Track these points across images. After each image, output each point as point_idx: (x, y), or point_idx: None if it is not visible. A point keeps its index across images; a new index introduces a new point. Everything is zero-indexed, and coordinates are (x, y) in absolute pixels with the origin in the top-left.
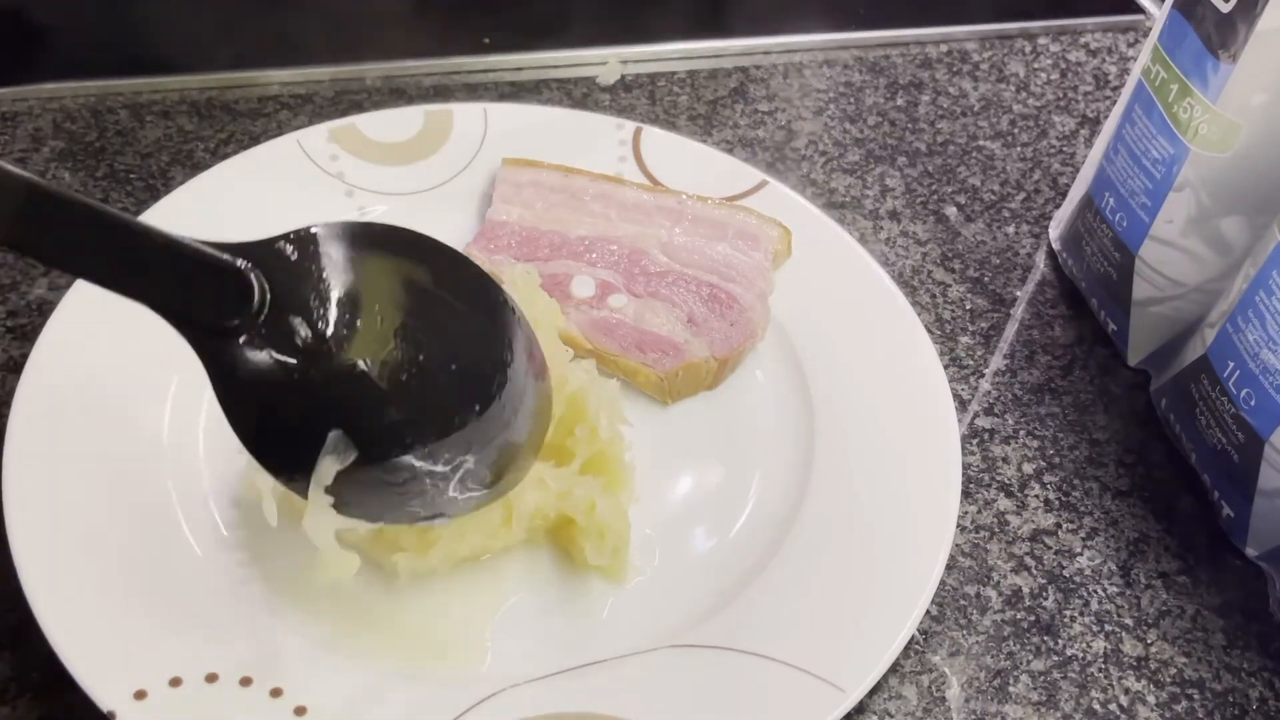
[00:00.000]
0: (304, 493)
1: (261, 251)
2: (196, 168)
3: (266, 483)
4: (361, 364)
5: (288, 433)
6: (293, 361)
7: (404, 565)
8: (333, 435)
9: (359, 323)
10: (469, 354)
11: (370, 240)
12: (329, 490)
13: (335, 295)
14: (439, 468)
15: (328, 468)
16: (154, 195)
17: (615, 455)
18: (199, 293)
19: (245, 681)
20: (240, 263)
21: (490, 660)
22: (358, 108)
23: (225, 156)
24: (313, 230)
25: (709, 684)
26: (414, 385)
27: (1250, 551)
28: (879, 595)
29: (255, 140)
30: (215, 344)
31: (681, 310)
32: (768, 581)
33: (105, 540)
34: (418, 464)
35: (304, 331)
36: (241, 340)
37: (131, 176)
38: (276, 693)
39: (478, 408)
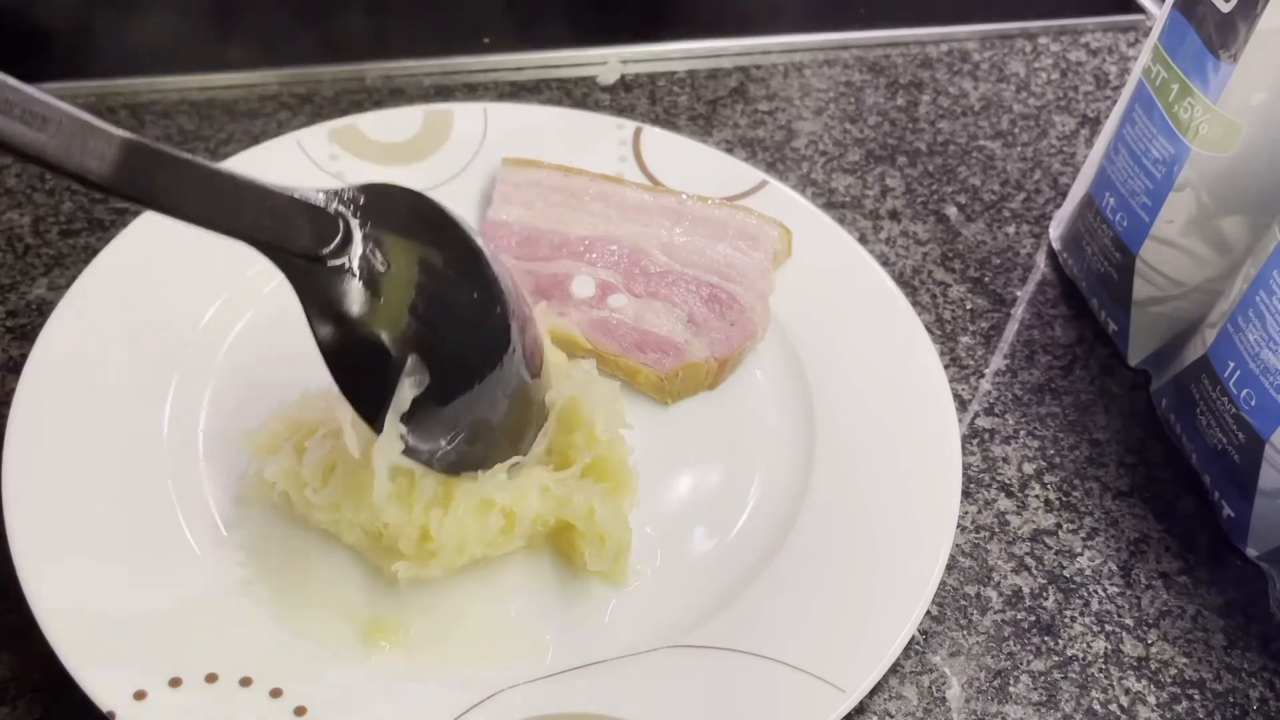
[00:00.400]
0: (373, 425)
1: (341, 194)
2: None
3: (347, 414)
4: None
5: (369, 357)
6: (373, 290)
7: (404, 573)
8: (412, 359)
9: (416, 271)
10: (485, 316)
11: (413, 205)
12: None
13: (399, 240)
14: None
15: (407, 391)
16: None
17: (617, 459)
18: (290, 227)
19: (245, 681)
20: (324, 200)
21: (499, 657)
22: (358, 107)
23: (225, 156)
24: (377, 184)
25: (709, 685)
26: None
27: (1251, 551)
28: (879, 595)
29: (255, 140)
30: (306, 271)
31: (682, 310)
32: (768, 582)
33: (105, 540)
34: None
35: (380, 265)
36: (329, 266)
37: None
38: (276, 693)
39: (502, 357)
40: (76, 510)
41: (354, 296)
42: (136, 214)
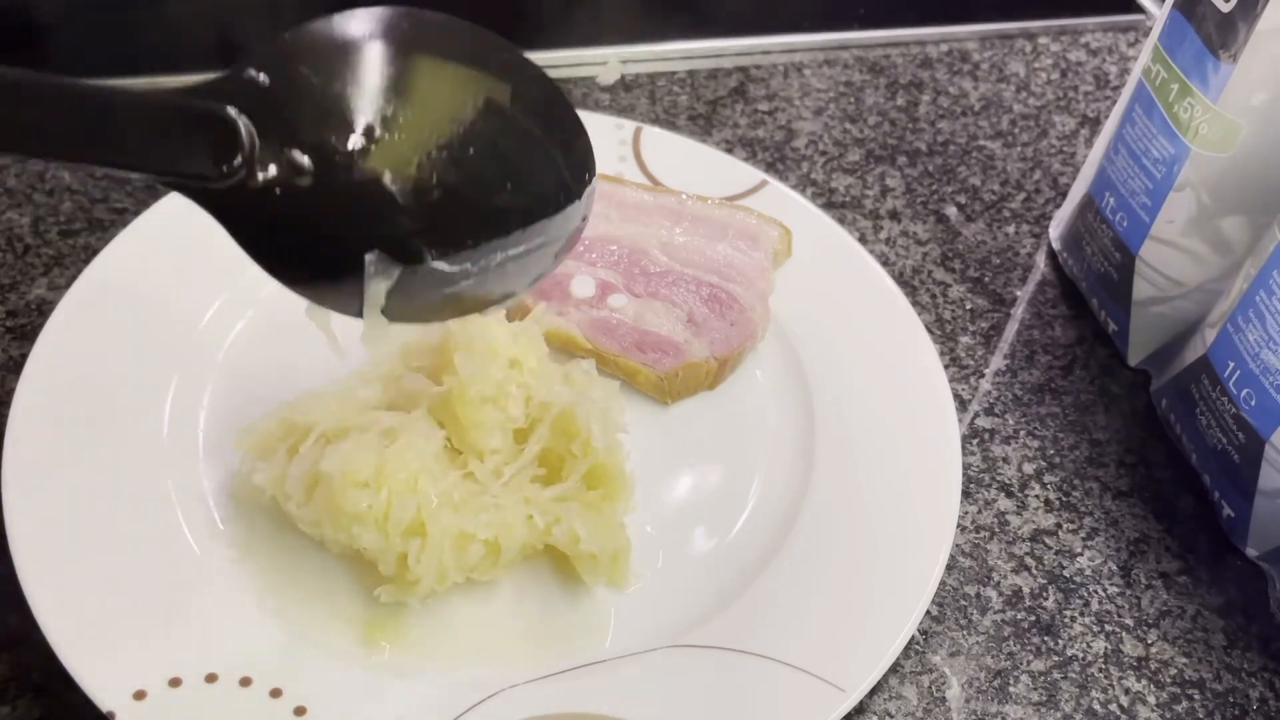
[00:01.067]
0: (354, 312)
1: (234, 85)
2: None
3: (324, 319)
4: (384, 176)
5: (322, 261)
6: (304, 191)
7: (385, 598)
8: (369, 259)
9: (377, 132)
10: (518, 166)
11: (433, 38)
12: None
13: (343, 108)
14: (470, 267)
15: (377, 289)
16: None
17: (614, 466)
18: (181, 149)
19: (245, 681)
20: (214, 105)
21: (499, 658)
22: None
23: None
24: (299, 36)
25: (709, 684)
26: (444, 196)
27: (1251, 551)
28: (879, 595)
29: None
30: (218, 198)
31: (681, 310)
32: (768, 582)
33: (105, 540)
34: (451, 268)
35: (305, 161)
36: (244, 187)
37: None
38: (276, 693)
39: (517, 223)
40: (76, 510)
41: (277, 211)
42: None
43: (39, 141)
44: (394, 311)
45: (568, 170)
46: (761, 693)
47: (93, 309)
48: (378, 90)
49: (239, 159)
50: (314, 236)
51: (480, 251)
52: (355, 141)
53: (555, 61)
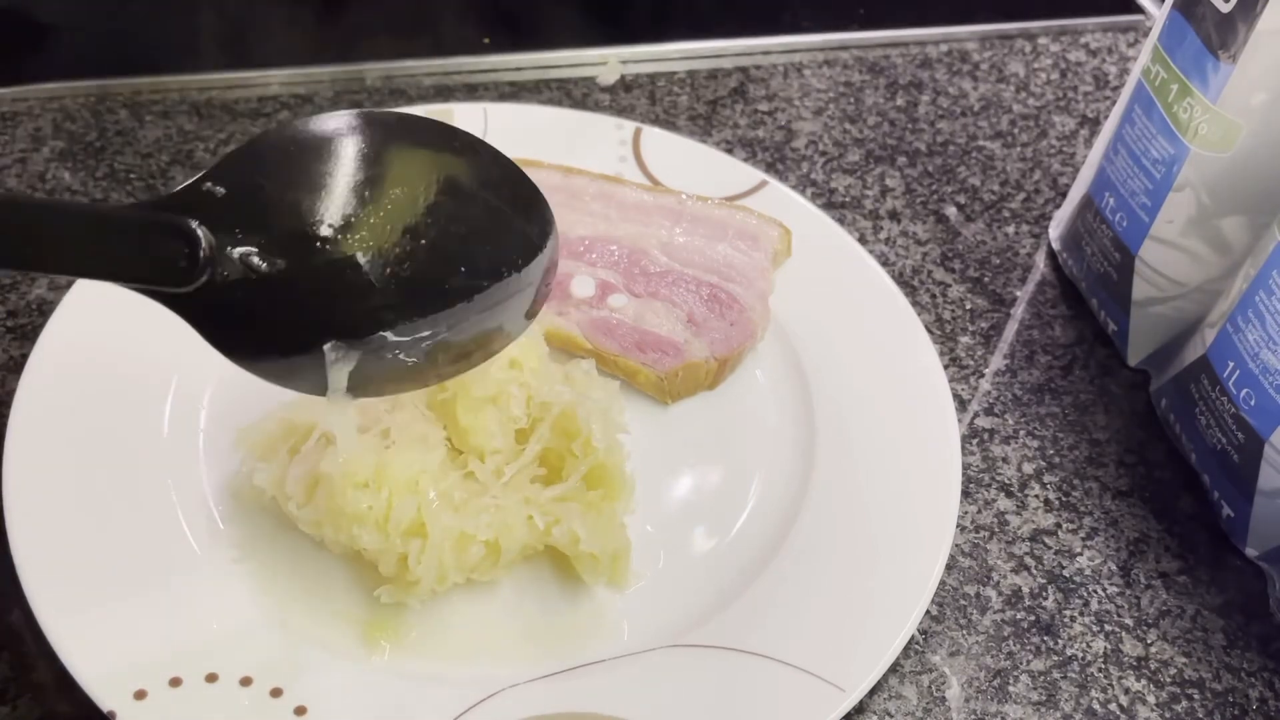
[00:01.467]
0: (319, 392)
1: (193, 198)
2: (196, 167)
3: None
4: (341, 263)
5: (283, 350)
6: (262, 287)
7: (386, 598)
8: (328, 349)
9: (330, 222)
10: (478, 236)
11: (379, 130)
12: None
13: (295, 205)
14: (430, 337)
15: (338, 375)
16: (154, 195)
17: (614, 466)
18: (145, 260)
19: (246, 681)
20: (175, 219)
21: (499, 658)
22: (358, 107)
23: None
24: (251, 146)
25: (709, 684)
26: (401, 274)
27: (1250, 551)
28: (879, 595)
29: None
30: (182, 300)
31: (681, 310)
32: (768, 582)
33: (105, 539)
34: (409, 339)
35: (262, 263)
36: (206, 292)
37: (131, 176)
38: (277, 693)
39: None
40: (76, 510)
41: (237, 309)
42: None
43: (11, 257)
44: (358, 388)
45: (522, 234)
46: (761, 692)
47: (93, 309)
48: (327, 185)
49: (199, 267)
50: (274, 328)
51: (439, 320)
52: (309, 235)
53: (555, 62)
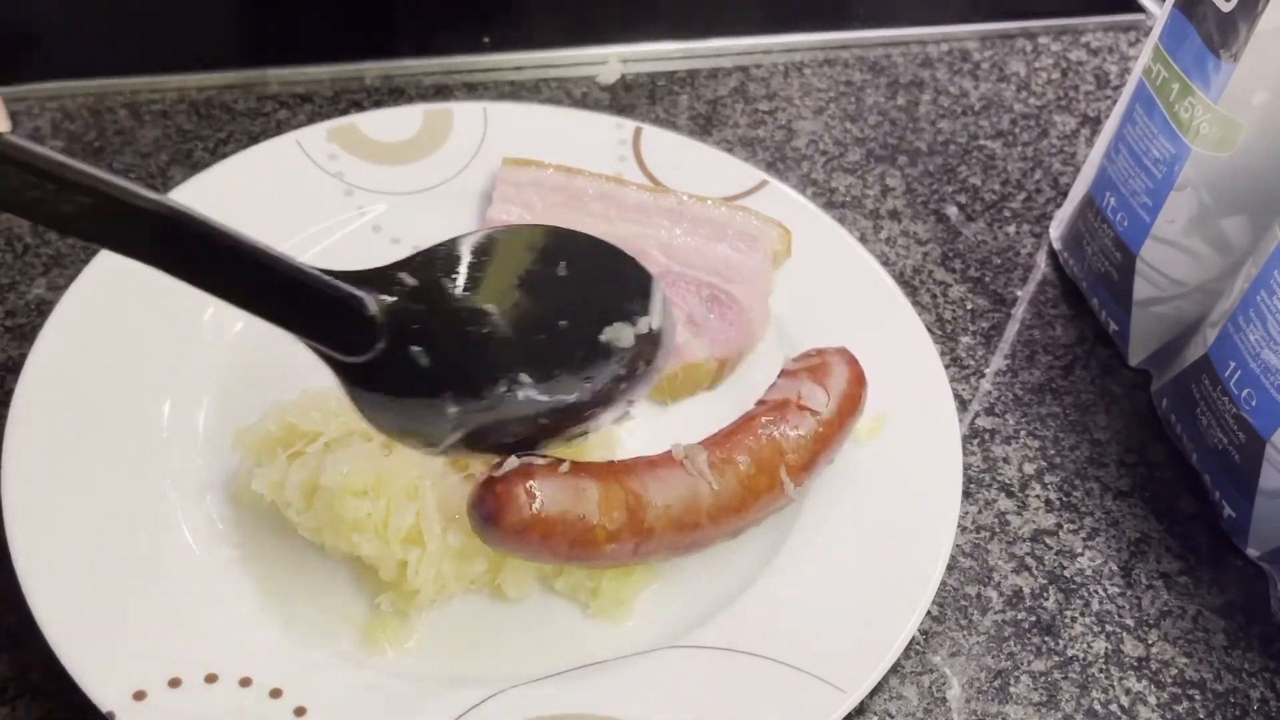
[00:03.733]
0: (432, 451)
1: (382, 280)
2: (196, 167)
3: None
4: (495, 327)
5: (413, 409)
6: (414, 373)
7: (386, 607)
8: (450, 408)
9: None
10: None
11: (550, 239)
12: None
13: (463, 305)
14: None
15: (455, 433)
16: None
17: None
18: (322, 318)
19: (245, 682)
20: (362, 294)
21: (500, 658)
22: (357, 107)
23: (224, 156)
24: (439, 248)
25: (710, 685)
26: (535, 345)
27: (1251, 552)
28: (879, 596)
29: (254, 140)
30: (341, 364)
31: (681, 311)
32: (768, 583)
33: (105, 541)
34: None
35: (424, 361)
36: (366, 363)
37: (130, 176)
38: (276, 693)
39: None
40: (76, 510)
41: (386, 382)
42: None
43: (218, 286)
44: (465, 447)
45: (647, 332)
46: (762, 693)
47: (92, 309)
48: (489, 277)
49: (368, 347)
50: (413, 405)
51: (553, 384)
52: (465, 317)
53: (555, 61)
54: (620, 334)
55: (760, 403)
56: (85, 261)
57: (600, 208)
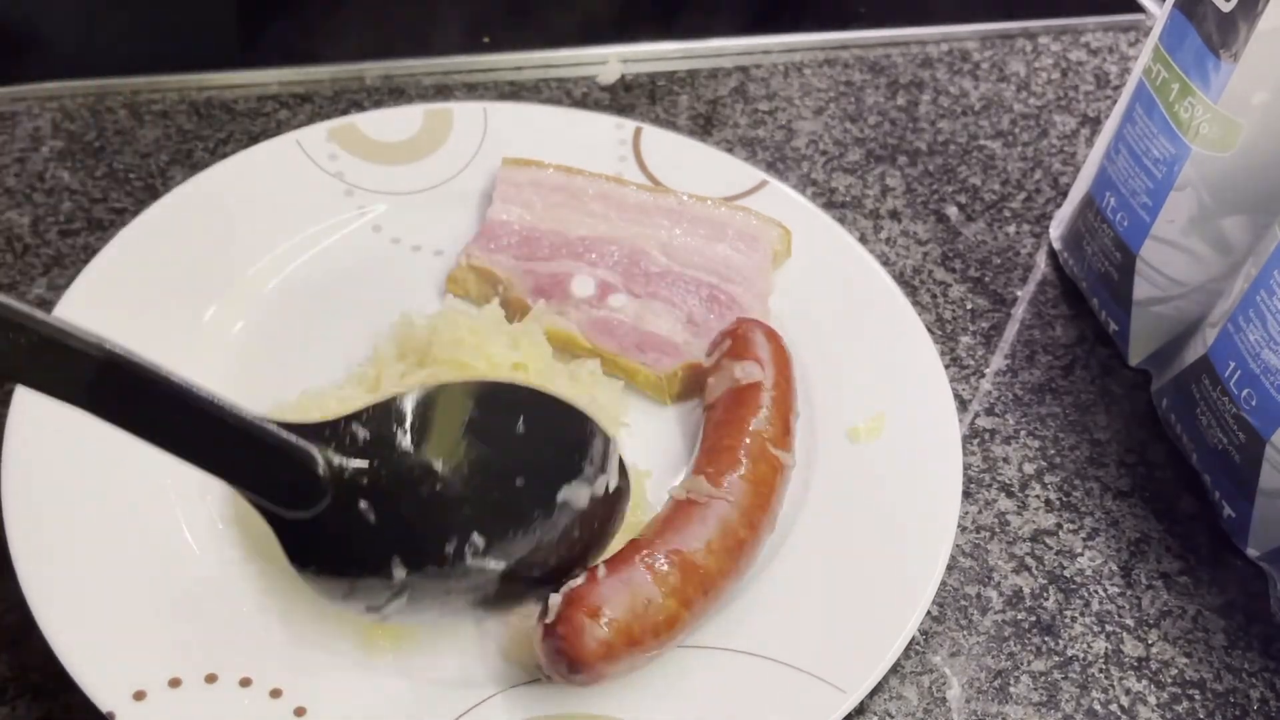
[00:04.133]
0: (370, 609)
1: (333, 431)
2: (195, 167)
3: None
4: (443, 491)
5: (355, 573)
6: (359, 528)
7: None
8: (397, 571)
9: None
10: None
11: (466, 395)
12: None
13: (418, 458)
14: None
15: (399, 599)
16: (153, 194)
17: (635, 490)
18: (266, 474)
19: (245, 682)
20: (311, 448)
21: (500, 658)
22: (358, 107)
23: (224, 156)
24: (393, 400)
25: (709, 685)
26: (480, 505)
27: (1251, 552)
28: (879, 596)
29: (254, 140)
30: (281, 520)
31: (681, 311)
32: (768, 582)
33: (105, 541)
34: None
35: (372, 518)
36: (310, 520)
37: (130, 176)
38: (276, 693)
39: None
40: (75, 511)
41: (330, 540)
42: (135, 213)
43: (156, 434)
44: (408, 613)
45: (594, 491)
46: (762, 693)
47: (93, 308)
48: (442, 436)
49: (311, 503)
50: (351, 553)
51: (507, 545)
52: (414, 478)
53: (555, 61)
54: (577, 493)
55: (709, 408)
56: (86, 261)
57: (600, 207)
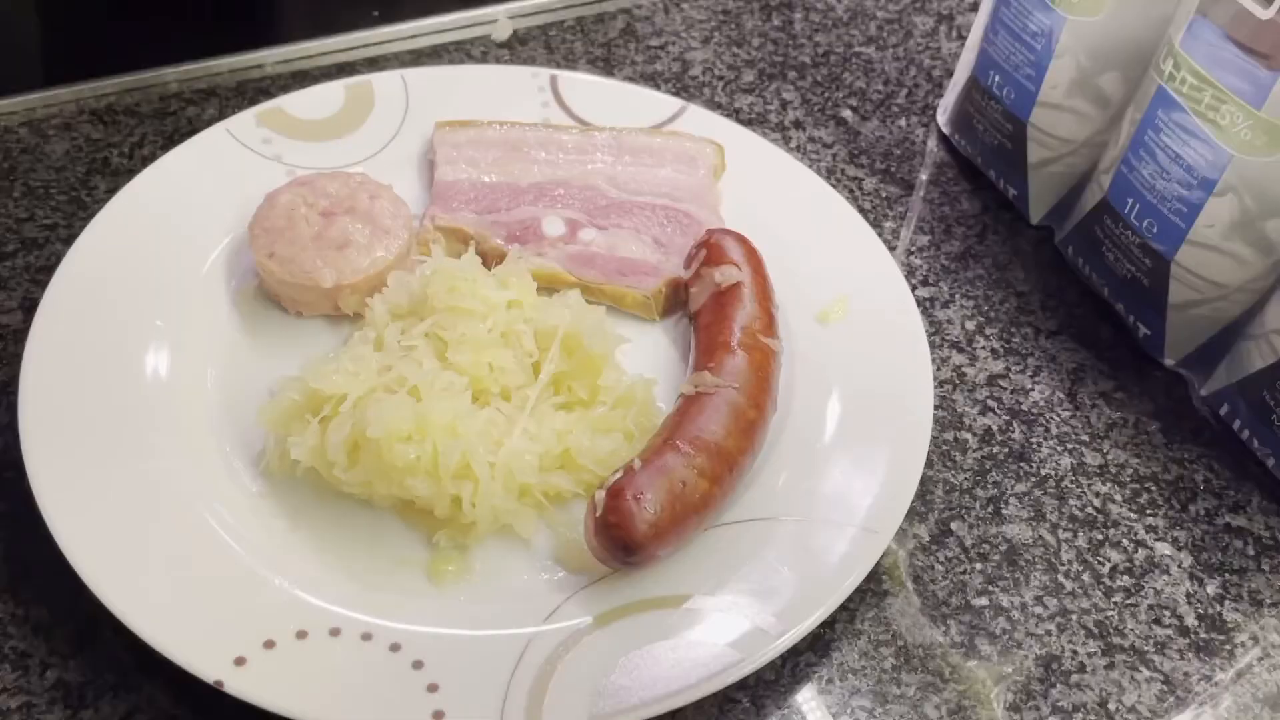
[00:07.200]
0: None
1: None
2: (116, 173)
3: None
4: None
5: None
6: None
7: (444, 542)
8: None
9: None
10: None
11: None
12: None
13: None
14: None
15: None
16: (80, 206)
17: (645, 400)
18: None
19: (334, 631)
20: None
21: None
22: (265, 95)
23: (143, 159)
24: None
25: (753, 551)
26: None
27: (1168, 361)
28: (884, 448)
29: (170, 139)
30: None
31: (646, 235)
32: (783, 456)
33: (153, 538)
34: None
35: None
36: None
37: (51, 190)
38: (367, 636)
39: None
40: (119, 515)
41: None
42: (69, 227)
43: None
44: None
45: None
46: (803, 550)
47: (62, 323)
48: None
49: None
50: None
51: None
52: None
53: (445, 26)
54: None
55: (695, 315)
56: (33, 281)
57: (544, 154)
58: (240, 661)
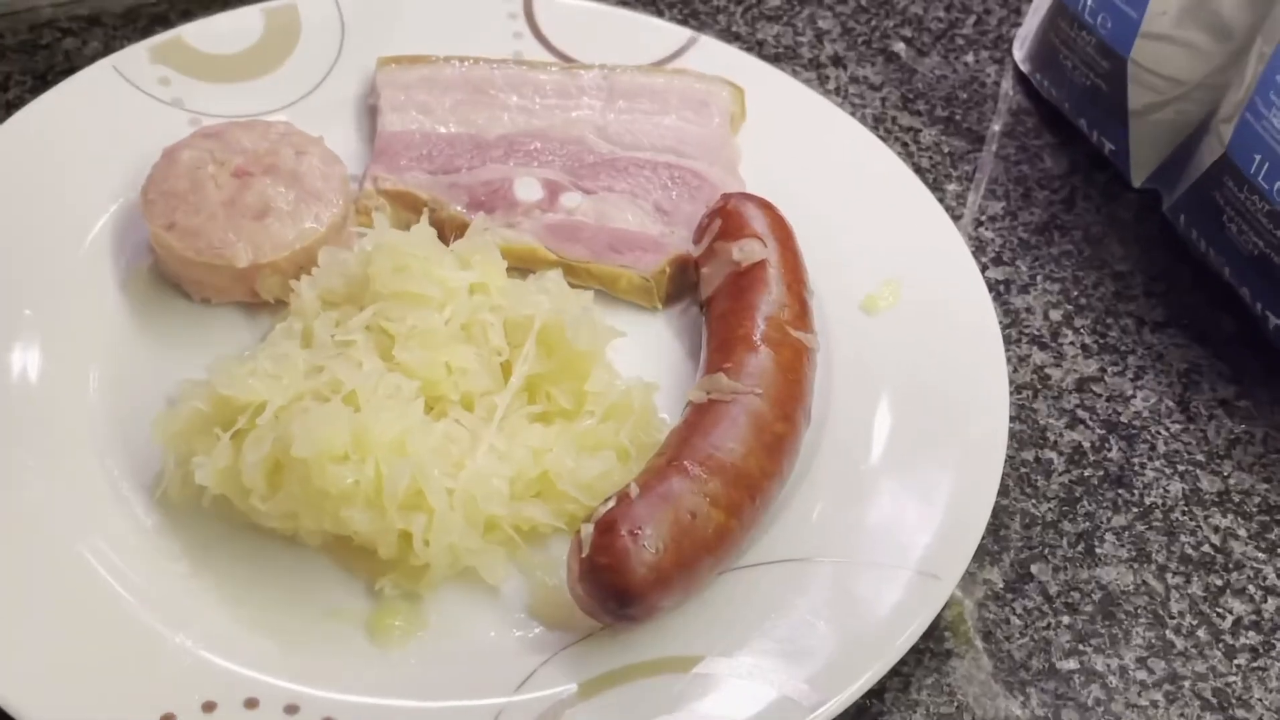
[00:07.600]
0: None
1: None
2: None
3: None
4: None
5: None
6: None
7: (390, 590)
8: None
9: None
10: None
11: None
12: None
13: None
14: None
15: None
16: None
17: (645, 408)
18: None
19: (251, 703)
20: None
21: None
22: (162, 23)
23: (8, 105)
24: None
25: (785, 600)
26: None
27: None
28: (944, 472)
29: (42, 79)
30: None
31: (646, 200)
32: (820, 480)
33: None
34: None
35: None
36: None
37: None
38: (292, 709)
39: None
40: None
41: None
42: None
43: None
44: None
45: None
46: (847, 600)
47: None
48: None
49: None
50: None
51: None
52: None
53: None
54: None
55: (708, 302)
56: None
57: (516, 99)
58: None
